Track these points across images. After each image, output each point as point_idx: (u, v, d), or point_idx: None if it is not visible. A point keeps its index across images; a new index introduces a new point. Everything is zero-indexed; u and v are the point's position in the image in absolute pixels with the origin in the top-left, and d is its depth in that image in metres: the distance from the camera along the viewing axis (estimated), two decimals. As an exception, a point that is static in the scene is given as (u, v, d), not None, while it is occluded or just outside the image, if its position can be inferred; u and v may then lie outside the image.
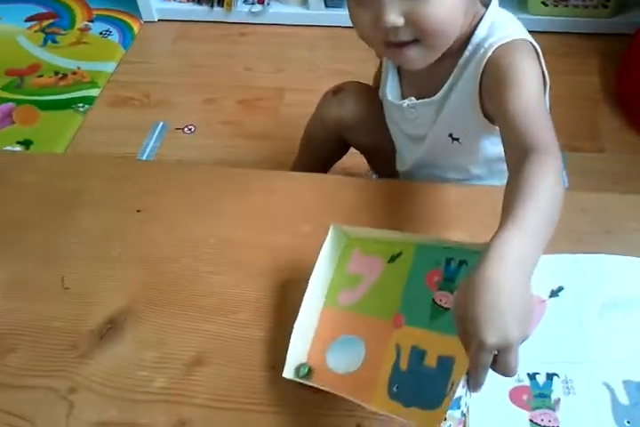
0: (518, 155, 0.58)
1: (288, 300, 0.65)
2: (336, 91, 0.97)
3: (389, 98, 0.83)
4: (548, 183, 0.54)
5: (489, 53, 0.69)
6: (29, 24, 1.90)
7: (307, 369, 0.59)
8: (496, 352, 0.46)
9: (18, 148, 1.51)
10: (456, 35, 0.69)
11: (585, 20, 1.69)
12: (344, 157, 1.06)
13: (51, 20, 1.92)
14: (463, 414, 0.47)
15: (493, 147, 0.79)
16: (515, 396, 0.57)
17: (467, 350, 0.47)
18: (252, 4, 1.83)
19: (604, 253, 0.66)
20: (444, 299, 0.57)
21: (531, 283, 0.48)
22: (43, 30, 1.88)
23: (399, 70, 0.83)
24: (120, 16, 1.92)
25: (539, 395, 0.57)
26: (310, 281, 0.62)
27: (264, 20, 1.84)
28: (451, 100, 0.76)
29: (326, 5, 1.79)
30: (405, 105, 0.81)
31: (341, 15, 1.75)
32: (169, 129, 1.56)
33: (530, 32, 0.73)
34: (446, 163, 0.86)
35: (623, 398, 0.56)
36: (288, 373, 0.58)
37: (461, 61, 0.73)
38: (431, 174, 0.88)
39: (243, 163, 1.42)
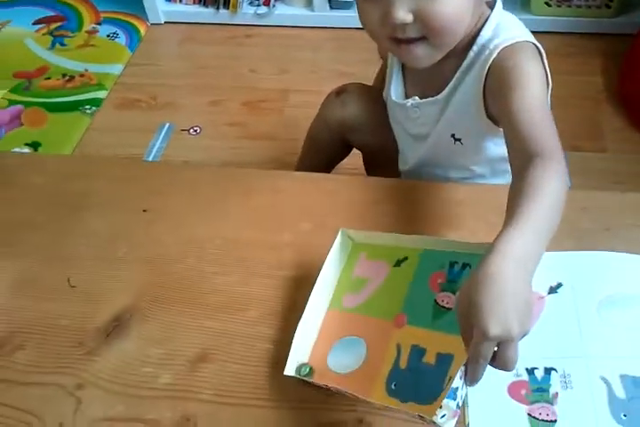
0: (523, 159, 0.59)
1: (292, 298, 0.66)
2: (339, 92, 0.97)
3: (393, 97, 0.84)
4: (551, 187, 0.55)
5: (494, 55, 0.70)
6: (37, 27, 1.92)
7: (308, 369, 0.59)
8: (495, 348, 0.47)
9: (26, 149, 1.53)
10: (462, 34, 0.70)
11: (588, 20, 1.69)
12: (347, 156, 1.07)
13: (59, 23, 1.94)
14: (459, 406, 0.48)
15: (496, 147, 0.80)
16: (513, 390, 0.57)
17: (467, 345, 0.48)
18: (258, 5, 1.85)
19: (604, 250, 0.67)
20: (447, 299, 0.58)
21: (532, 280, 0.49)
22: (51, 33, 1.90)
23: (403, 70, 0.84)
24: (127, 18, 1.93)
25: (537, 389, 0.57)
26: (316, 283, 0.62)
27: (269, 21, 1.85)
28: (455, 101, 0.77)
29: (331, 7, 1.80)
30: (409, 104, 0.81)
31: (346, 17, 1.77)
32: (175, 130, 1.57)
33: (533, 32, 0.73)
34: (448, 162, 0.87)
35: (620, 392, 0.57)
36: (289, 371, 0.59)
37: (466, 62, 0.74)
38: (433, 173, 0.89)
39: (248, 164, 1.43)
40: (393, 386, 0.55)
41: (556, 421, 0.55)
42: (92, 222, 0.76)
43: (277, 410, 0.58)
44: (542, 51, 0.71)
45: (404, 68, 0.83)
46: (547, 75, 0.70)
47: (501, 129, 0.71)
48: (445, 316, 0.57)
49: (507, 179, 0.84)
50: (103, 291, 0.69)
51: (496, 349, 0.47)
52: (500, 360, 0.47)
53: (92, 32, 1.90)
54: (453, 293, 0.58)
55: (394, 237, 0.65)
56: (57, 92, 1.69)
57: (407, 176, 0.94)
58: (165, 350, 0.63)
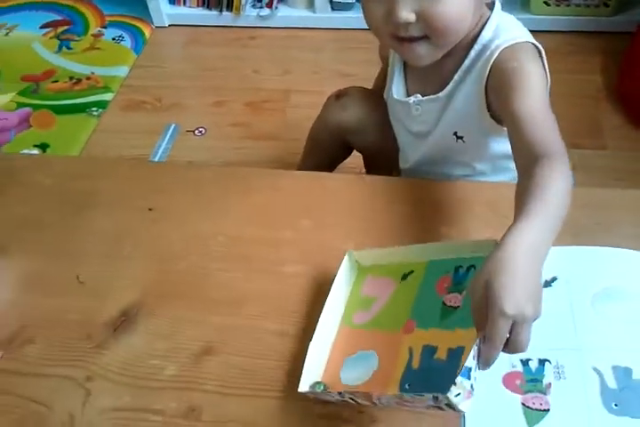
0: (528, 159, 0.61)
1: (292, 292, 0.68)
2: (339, 95, 0.98)
3: (395, 95, 0.85)
4: (558, 187, 0.58)
5: (495, 55, 0.72)
6: (44, 31, 1.95)
7: (322, 387, 0.59)
8: (507, 335, 0.49)
9: (35, 151, 1.55)
10: (464, 34, 0.72)
11: (587, 18, 1.70)
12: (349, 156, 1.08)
13: (65, 27, 1.96)
14: (473, 388, 0.48)
15: (498, 145, 0.81)
16: (508, 381, 0.59)
17: (480, 329, 0.50)
18: (260, 7, 1.86)
19: (599, 245, 0.68)
20: (454, 299, 0.59)
21: (542, 269, 0.52)
22: (57, 37, 1.92)
23: (404, 68, 0.85)
24: (132, 22, 1.96)
25: (531, 380, 0.59)
26: (327, 303, 0.63)
27: (272, 23, 1.87)
28: (457, 100, 0.78)
29: (332, 8, 1.82)
30: (411, 101, 0.83)
31: (347, 18, 1.79)
32: (180, 131, 1.59)
33: (533, 31, 0.75)
34: (450, 160, 0.88)
35: (611, 383, 0.58)
36: (303, 389, 0.58)
37: (467, 61, 0.75)
38: (434, 171, 0.90)
39: (251, 163, 1.45)
40: (407, 386, 0.55)
41: (548, 410, 0.57)
42: (98, 221, 0.78)
43: (279, 401, 0.60)
44: (542, 50, 0.73)
45: (405, 66, 0.85)
46: (546, 74, 0.72)
47: (504, 128, 0.73)
48: (453, 314, 0.58)
49: (507, 176, 0.86)
50: (110, 287, 0.71)
51: (508, 335, 0.49)
52: (514, 342, 0.49)
53: (97, 35, 1.93)
54: (460, 292, 0.59)
55: (399, 251, 0.65)
56: (64, 95, 1.72)
57: (407, 174, 0.95)
58: (171, 344, 0.65)
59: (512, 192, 0.60)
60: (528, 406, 0.57)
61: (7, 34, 1.95)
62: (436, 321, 0.58)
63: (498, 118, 0.76)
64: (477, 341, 0.49)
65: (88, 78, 1.76)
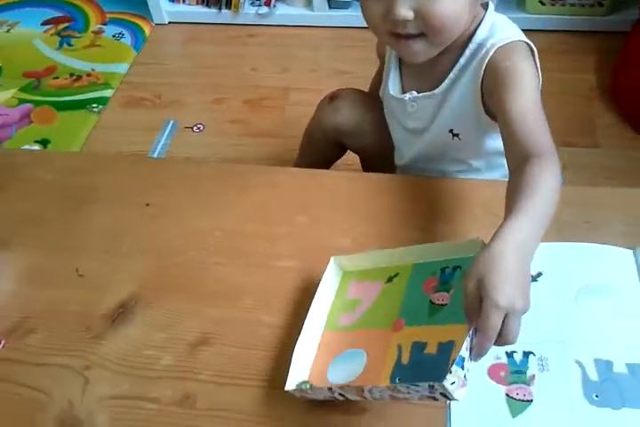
0: (519, 158, 0.64)
1: (287, 287, 0.69)
2: (332, 98, 0.99)
3: (391, 92, 0.86)
4: (547, 186, 0.60)
5: (490, 54, 0.73)
6: (45, 28, 1.96)
7: (308, 386, 0.59)
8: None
9: (36, 146, 1.57)
10: (459, 32, 0.73)
11: (581, 18, 1.71)
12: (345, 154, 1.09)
13: (66, 24, 1.97)
14: (466, 378, 0.49)
15: (493, 142, 0.83)
16: (493, 372, 0.60)
17: (471, 321, 0.52)
18: (259, 5, 1.87)
19: (584, 242, 0.70)
20: (441, 298, 0.60)
21: (530, 264, 0.54)
22: (58, 33, 1.93)
23: (400, 66, 0.86)
24: (132, 19, 1.97)
25: (515, 371, 0.60)
26: (311, 307, 0.63)
27: (270, 21, 1.88)
28: (453, 98, 0.80)
29: (330, 7, 1.83)
30: (407, 98, 0.84)
31: (345, 16, 1.80)
32: (179, 128, 1.60)
33: (528, 30, 0.76)
34: (445, 156, 0.89)
35: (593, 375, 0.59)
36: (290, 387, 0.58)
37: (463, 59, 0.77)
38: (429, 168, 0.91)
39: (249, 160, 1.46)
40: (397, 380, 0.55)
41: (532, 401, 0.58)
42: (98, 216, 0.80)
43: (272, 390, 0.61)
44: (534, 49, 0.75)
45: (400, 63, 0.86)
46: (538, 73, 0.74)
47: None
48: (442, 311, 0.59)
49: (502, 172, 0.87)
50: (109, 280, 0.72)
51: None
52: (505, 334, 0.51)
53: (98, 32, 1.94)
54: (447, 291, 0.60)
55: (384, 254, 0.66)
56: (65, 91, 1.73)
57: (403, 171, 0.96)
58: (167, 335, 0.67)
59: (505, 190, 0.62)
60: (512, 397, 0.59)
61: (9, 30, 1.96)
62: (425, 319, 0.59)
63: (493, 115, 0.77)
64: (470, 332, 0.51)
65: (88, 75, 1.78)
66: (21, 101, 1.71)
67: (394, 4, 0.68)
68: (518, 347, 0.61)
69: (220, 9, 1.89)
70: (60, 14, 2.02)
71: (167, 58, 1.87)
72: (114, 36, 1.92)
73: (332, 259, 0.68)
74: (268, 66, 1.77)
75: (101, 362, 0.65)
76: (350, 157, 1.09)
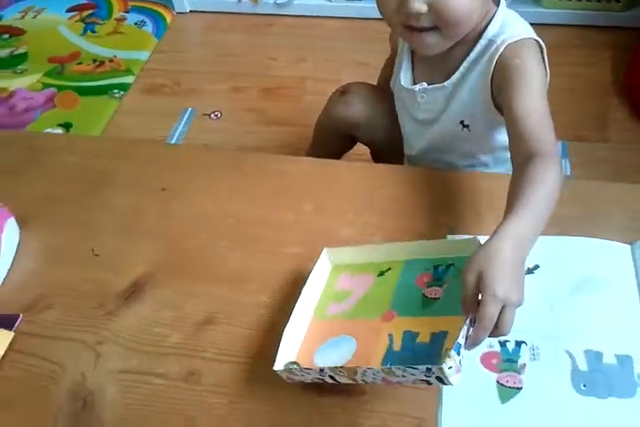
0: (523, 156, 0.66)
1: (292, 271, 0.72)
2: (343, 91, 1.01)
3: (402, 83, 0.88)
4: (548, 184, 0.62)
5: (500, 50, 0.75)
6: (70, 14, 1.99)
7: (296, 367, 0.59)
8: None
9: (59, 130, 1.61)
10: (472, 26, 0.75)
11: (598, 13, 1.69)
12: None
13: (90, 11, 2.00)
14: (461, 364, 0.50)
15: (501, 136, 0.84)
16: (485, 360, 0.62)
17: (468, 313, 0.54)
18: (278, -5, 1.89)
19: (582, 236, 0.71)
20: (434, 292, 0.61)
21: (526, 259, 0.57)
22: (82, 20, 1.97)
23: (412, 58, 0.88)
24: (154, 7, 1.99)
25: (507, 360, 0.62)
26: (300, 297, 0.64)
27: (289, 11, 1.88)
28: (463, 91, 0.81)
29: (348, -3, 1.83)
30: (417, 89, 0.85)
31: (362, 7, 1.80)
32: (197, 115, 1.63)
33: (543, 24, 0.78)
34: (454, 148, 0.90)
35: (582, 365, 0.61)
36: (278, 367, 0.59)
37: (474, 53, 0.78)
38: (438, 159, 0.93)
39: (264, 148, 1.48)
40: (389, 366, 0.54)
41: (521, 388, 0.60)
42: (115, 199, 0.83)
43: (272, 369, 0.62)
44: (543, 46, 0.76)
45: (413, 55, 0.87)
46: (546, 71, 0.75)
47: None
48: (434, 304, 0.60)
49: (508, 166, 0.87)
50: (123, 260, 0.75)
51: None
52: (499, 324, 0.54)
53: (120, 20, 1.96)
54: (440, 287, 0.61)
55: (377, 249, 0.67)
56: (88, 77, 1.76)
57: (412, 161, 0.98)
58: (176, 314, 0.70)
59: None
60: (502, 384, 0.61)
61: (35, 17, 2.00)
62: (417, 311, 0.60)
63: (502, 111, 0.78)
64: (467, 322, 0.53)
65: (111, 61, 1.81)
66: (45, 86, 1.74)
67: None
68: (511, 336, 0.62)
69: (240, -2, 1.91)
70: (85, 1, 2.05)
71: (187, 46, 1.90)
72: (136, 23, 1.94)
73: (324, 250, 0.69)
74: (286, 55, 1.78)
75: (113, 338, 0.68)
76: (361, 149, 1.11)
